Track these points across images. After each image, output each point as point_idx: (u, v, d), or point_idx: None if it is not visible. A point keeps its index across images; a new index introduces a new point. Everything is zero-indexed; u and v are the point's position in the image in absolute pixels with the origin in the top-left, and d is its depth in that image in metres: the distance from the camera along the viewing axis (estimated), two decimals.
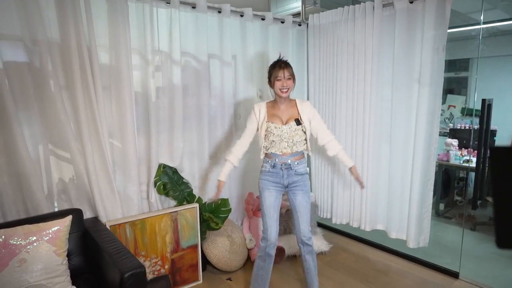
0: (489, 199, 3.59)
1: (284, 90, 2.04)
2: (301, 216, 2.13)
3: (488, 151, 2.75)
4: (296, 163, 2.11)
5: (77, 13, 1.93)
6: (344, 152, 2.25)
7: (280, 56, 2.15)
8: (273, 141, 2.09)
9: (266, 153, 2.15)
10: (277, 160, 2.10)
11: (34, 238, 1.65)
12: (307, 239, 2.14)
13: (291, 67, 2.08)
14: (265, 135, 2.10)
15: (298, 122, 2.08)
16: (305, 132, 2.12)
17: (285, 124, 2.09)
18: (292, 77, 2.07)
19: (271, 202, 2.12)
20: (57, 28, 1.94)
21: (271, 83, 2.09)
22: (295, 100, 2.16)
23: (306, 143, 2.15)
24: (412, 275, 2.66)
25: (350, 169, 2.28)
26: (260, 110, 2.14)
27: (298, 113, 2.11)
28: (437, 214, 3.91)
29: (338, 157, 2.25)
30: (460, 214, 3.87)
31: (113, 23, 2.10)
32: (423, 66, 2.41)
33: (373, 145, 2.78)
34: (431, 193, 2.56)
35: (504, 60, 4.10)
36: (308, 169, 3.31)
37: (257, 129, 2.16)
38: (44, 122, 1.98)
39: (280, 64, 2.05)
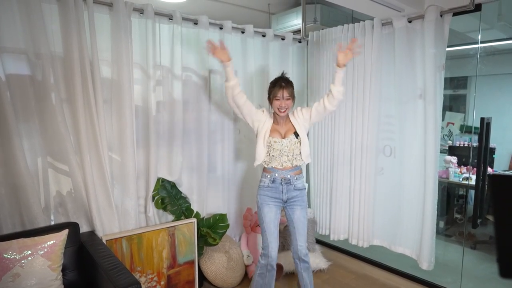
0: (490, 217, 3.55)
1: (282, 110, 2.05)
2: (298, 232, 2.12)
3: (487, 179, 2.73)
4: (295, 178, 2.12)
5: (81, 27, 1.96)
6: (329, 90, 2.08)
7: (283, 73, 2.15)
8: (273, 155, 2.10)
9: (265, 168, 2.14)
10: (276, 175, 2.10)
11: (29, 252, 1.63)
12: (304, 255, 2.12)
13: (292, 86, 2.08)
14: (267, 148, 2.11)
15: (297, 135, 2.10)
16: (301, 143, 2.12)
17: (284, 137, 2.10)
18: (292, 97, 2.06)
19: (272, 218, 2.10)
20: (61, 42, 1.97)
21: (270, 100, 2.10)
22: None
23: (300, 153, 2.12)
24: None
25: (338, 67, 2.04)
26: (266, 122, 2.13)
27: (293, 126, 2.12)
28: (436, 232, 3.85)
29: (334, 85, 2.06)
30: (460, 232, 3.83)
31: (116, 38, 2.12)
32: (426, 83, 2.41)
33: (370, 160, 2.77)
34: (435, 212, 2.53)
35: (502, 78, 4.15)
36: (306, 184, 3.31)
37: (255, 131, 2.17)
38: (44, 134, 1.98)
39: (281, 83, 2.04)
